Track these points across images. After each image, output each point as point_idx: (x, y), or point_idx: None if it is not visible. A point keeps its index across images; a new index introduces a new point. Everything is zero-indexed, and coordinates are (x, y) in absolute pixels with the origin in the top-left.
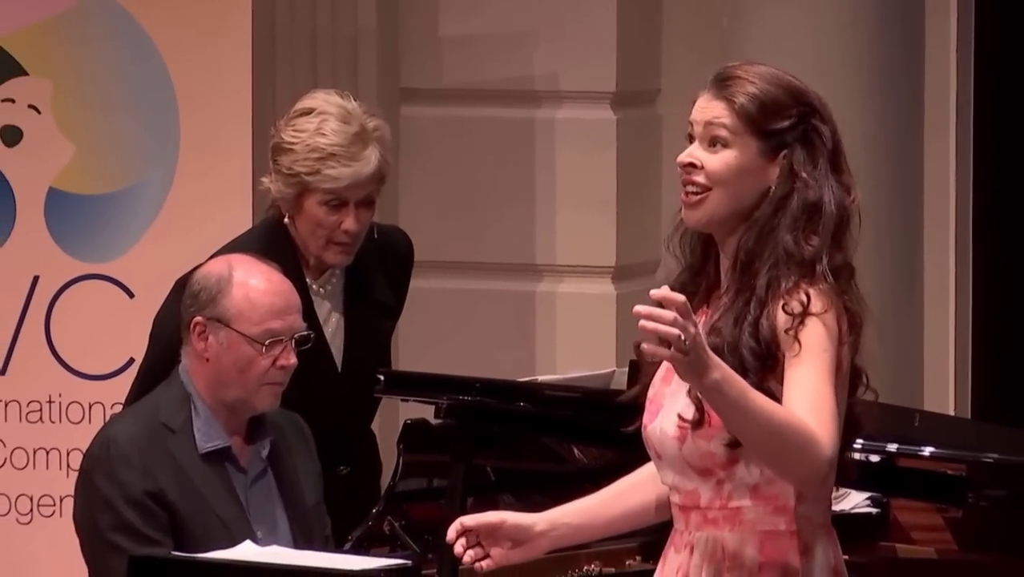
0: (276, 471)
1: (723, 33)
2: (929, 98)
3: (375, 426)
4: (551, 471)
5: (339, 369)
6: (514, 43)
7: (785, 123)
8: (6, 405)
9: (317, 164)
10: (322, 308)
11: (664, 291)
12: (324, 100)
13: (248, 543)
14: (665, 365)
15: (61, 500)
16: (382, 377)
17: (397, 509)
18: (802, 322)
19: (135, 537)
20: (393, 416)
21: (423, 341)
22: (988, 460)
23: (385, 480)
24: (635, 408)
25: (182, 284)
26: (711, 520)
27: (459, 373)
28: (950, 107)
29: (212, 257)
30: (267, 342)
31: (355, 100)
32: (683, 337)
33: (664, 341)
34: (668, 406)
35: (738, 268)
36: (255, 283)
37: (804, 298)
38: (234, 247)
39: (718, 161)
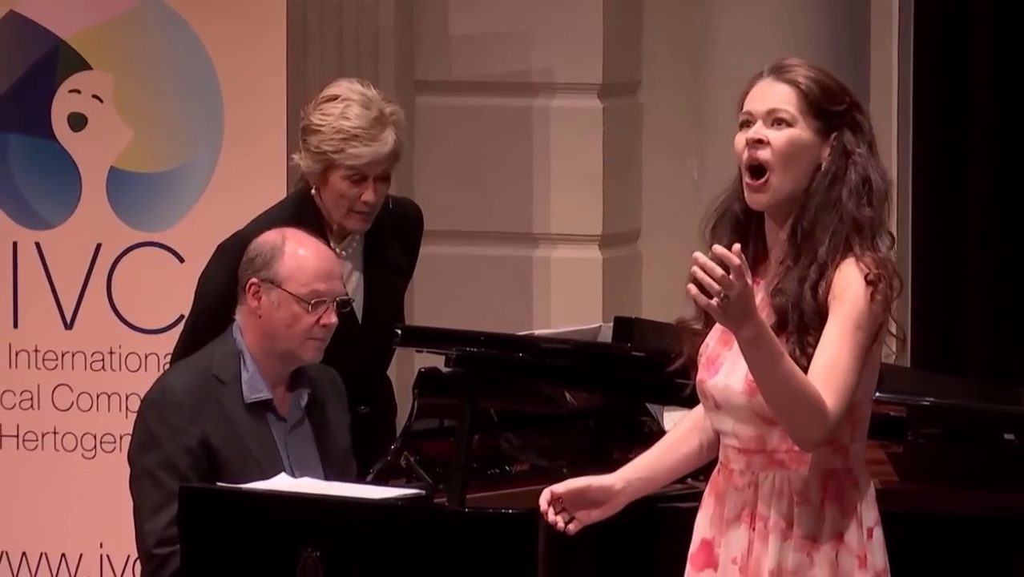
0: (312, 420)
1: (696, 32)
2: (873, 92)
3: (393, 373)
4: (545, 413)
5: (359, 321)
6: (514, 41)
7: (838, 107)
8: (73, 356)
9: (341, 144)
10: (344, 268)
11: (725, 251)
12: (347, 88)
13: (283, 475)
14: (720, 327)
15: (120, 438)
16: (399, 331)
17: (412, 446)
18: (859, 286)
19: (177, 475)
20: (409, 365)
21: (435, 300)
22: (925, 403)
23: (400, 420)
24: (636, 362)
25: (223, 249)
26: (777, 461)
27: (466, 328)
28: (892, 100)
29: (250, 223)
30: (313, 302)
31: (374, 88)
32: (723, 294)
33: (707, 291)
34: (730, 364)
35: (799, 237)
36: (304, 251)
37: (863, 265)
38: (268, 215)
39: (783, 137)
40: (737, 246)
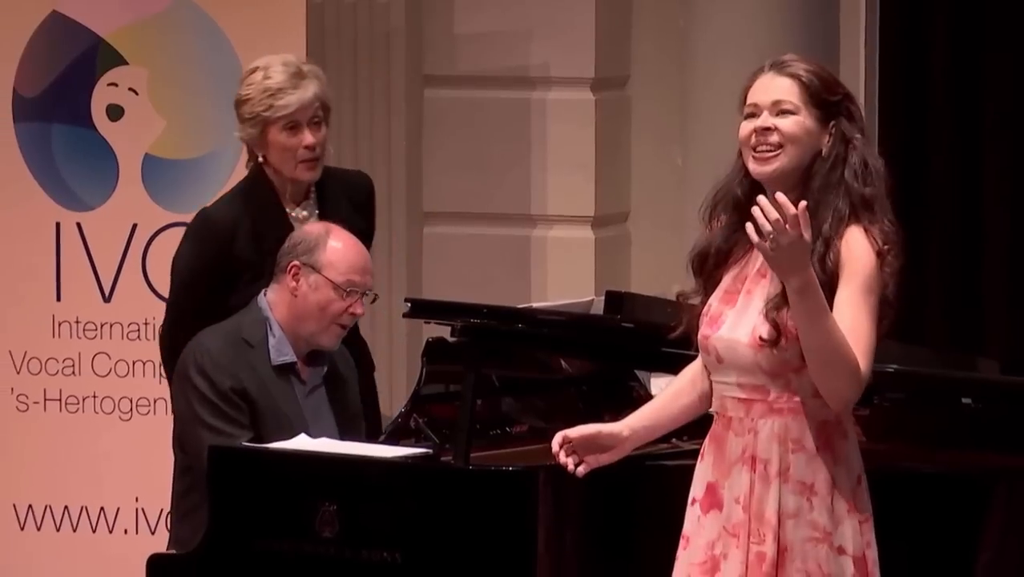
0: (328, 386)
1: (680, 31)
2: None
3: (403, 342)
4: (542, 378)
5: None
6: (514, 39)
7: (835, 98)
8: (111, 326)
9: (269, 100)
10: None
11: (785, 200)
12: (263, 59)
13: (303, 436)
14: (722, 289)
15: (154, 402)
16: (409, 304)
17: (421, 409)
18: (869, 256)
19: (228, 420)
20: (418, 335)
21: (442, 275)
22: (889, 370)
23: (406, 385)
24: (625, 333)
25: (190, 229)
26: (776, 410)
27: (470, 301)
28: (859, 92)
29: (213, 203)
30: (347, 290)
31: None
32: (773, 236)
33: (759, 232)
34: (734, 320)
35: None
36: (343, 245)
37: (871, 238)
38: (228, 194)
39: (790, 123)
40: (803, 203)
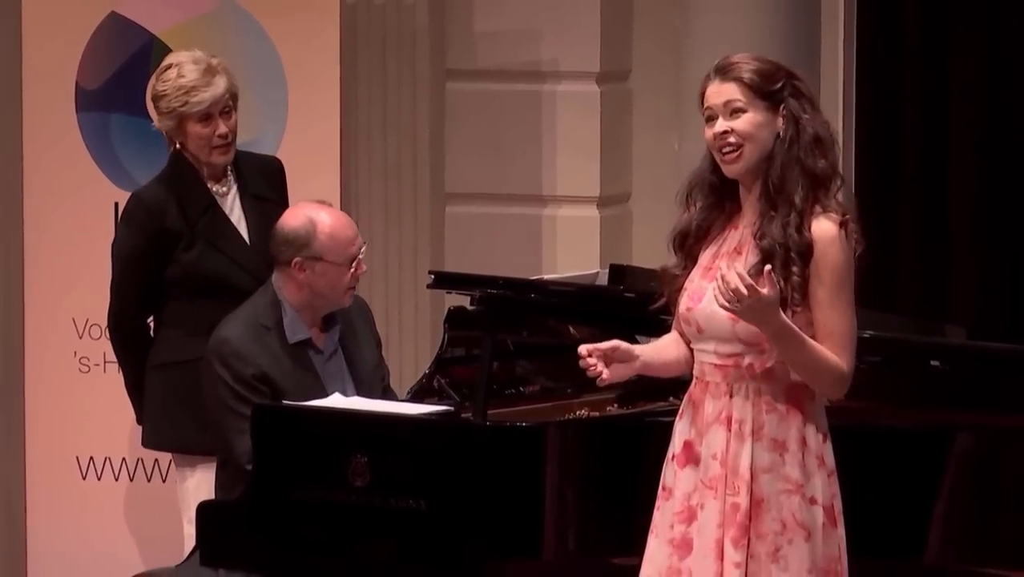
0: (344, 348)
1: (676, 29)
2: (823, 81)
3: (427, 311)
4: (552, 343)
5: (248, 243)
6: (527, 37)
7: (778, 85)
8: None
9: (184, 97)
10: (225, 204)
11: (743, 273)
12: (176, 56)
13: (337, 395)
14: (701, 265)
15: None
16: (433, 276)
17: (444, 371)
18: (837, 245)
19: (247, 404)
20: (440, 304)
21: (462, 250)
22: (865, 335)
23: (406, 340)
24: (627, 301)
25: (126, 213)
26: (750, 376)
27: (488, 273)
28: (838, 88)
29: (142, 187)
30: (351, 263)
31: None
32: (732, 301)
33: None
34: (713, 294)
35: (772, 191)
36: (331, 226)
37: (832, 215)
38: (155, 178)
39: (744, 122)
40: (767, 267)
